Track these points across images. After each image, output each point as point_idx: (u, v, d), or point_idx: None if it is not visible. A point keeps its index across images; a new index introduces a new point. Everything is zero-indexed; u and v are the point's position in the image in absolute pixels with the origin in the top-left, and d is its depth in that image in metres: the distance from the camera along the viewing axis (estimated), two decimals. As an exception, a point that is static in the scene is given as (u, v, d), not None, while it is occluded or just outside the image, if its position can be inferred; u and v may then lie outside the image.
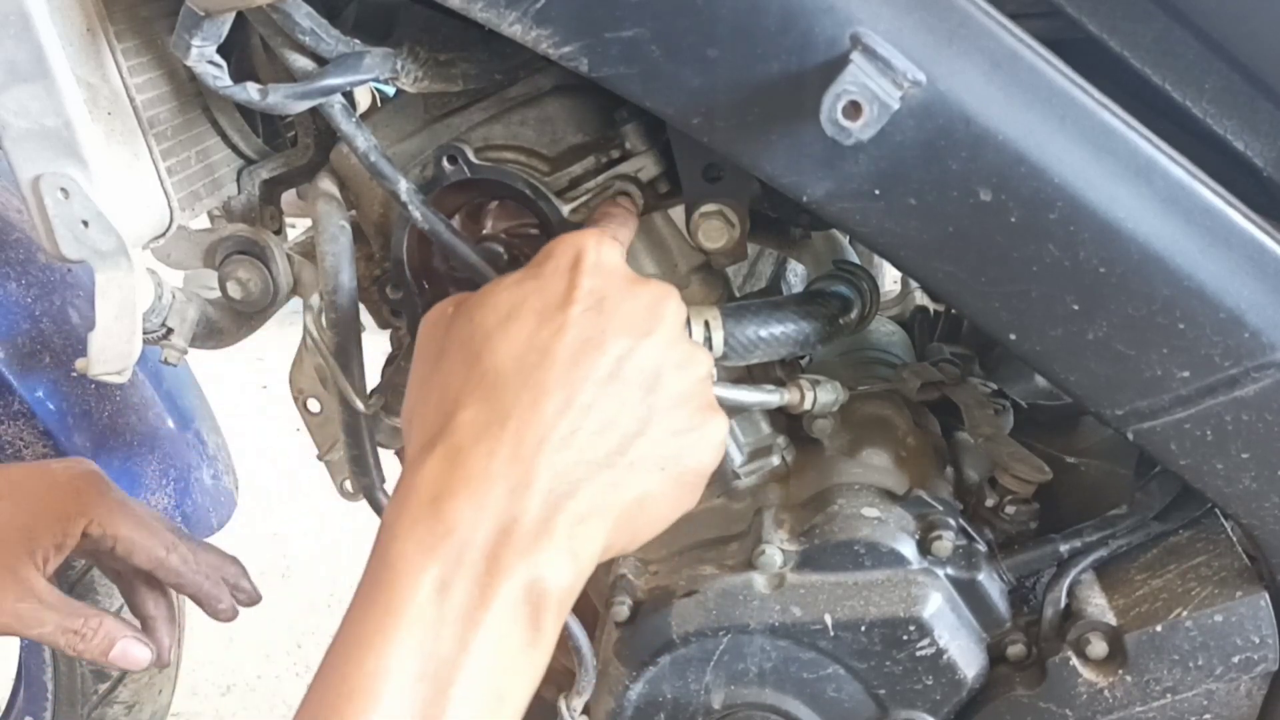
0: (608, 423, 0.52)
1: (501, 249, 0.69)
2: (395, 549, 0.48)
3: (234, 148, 0.76)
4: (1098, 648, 0.69)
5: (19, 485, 0.75)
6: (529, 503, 0.49)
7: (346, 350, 0.67)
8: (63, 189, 0.61)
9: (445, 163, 0.67)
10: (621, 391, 0.53)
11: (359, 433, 0.70)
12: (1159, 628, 0.68)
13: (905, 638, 0.70)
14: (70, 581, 1.09)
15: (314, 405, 0.82)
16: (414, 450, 0.52)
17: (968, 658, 0.71)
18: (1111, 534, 0.73)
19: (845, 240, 0.93)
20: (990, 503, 0.75)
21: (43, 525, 0.74)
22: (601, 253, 0.56)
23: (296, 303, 0.75)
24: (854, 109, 0.53)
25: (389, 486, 0.73)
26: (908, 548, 0.71)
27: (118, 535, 0.76)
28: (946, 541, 0.71)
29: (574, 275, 0.55)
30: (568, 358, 0.52)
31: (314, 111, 0.68)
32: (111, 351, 0.66)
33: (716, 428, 0.57)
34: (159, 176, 0.67)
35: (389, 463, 0.75)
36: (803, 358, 0.89)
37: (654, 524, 0.55)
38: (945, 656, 0.70)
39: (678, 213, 0.72)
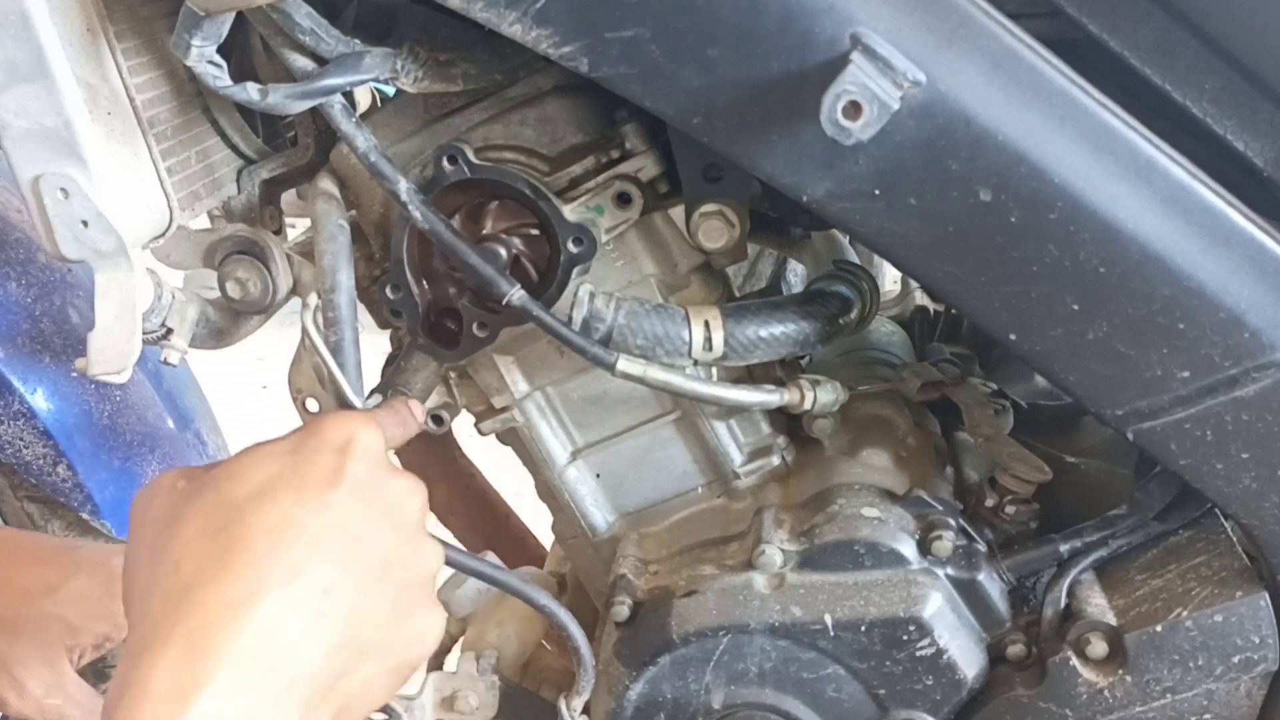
0: (351, 611, 0.51)
1: (501, 249, 0.69)
2: None
3: (234, 148, 0.76)
4: (1098, 648, 0.69)
5: (80, 571, 0.74)
6: (262, 691, 0.46)
7: (344, 350, 0.67)
8: (63, 189, 0.61)
9: (445, 163, 0.67)
10: (364, 580, 0.52)
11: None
12: (1159, 628, 0.68)
13: (905, 638, 0.70)
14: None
15: (312, 405, 0.82)
16: (143, 634, 0.47)
17: (968, 658, 0.71)
18: (1111, 534, 0.73)
19: (845, 240, 0.93)
20: (990, 503, 0.75)
21: (89, 624, 0.74)
22: (370, 440, 0.55)
23: (296, 303, 0.75)
24: (854, 109, 0.53)
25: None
26: (908, 548, 0.71)
27: None
28: (946, 541, 0.71)
29: (342, 458, 0.53)
30: (325, 539, 0.51)
31: (314, 111, 0.68)
32: (111, 351, 0.66)
33: (435, 624, 0.56)
34: (159, 176, 0.67)
35: (389, 463, 0.75)
36: (803, 358, 0.89)
37: (367, 709, 0.54)
38: (945, 656, 0.70)
39: (678, 213, 0.72)
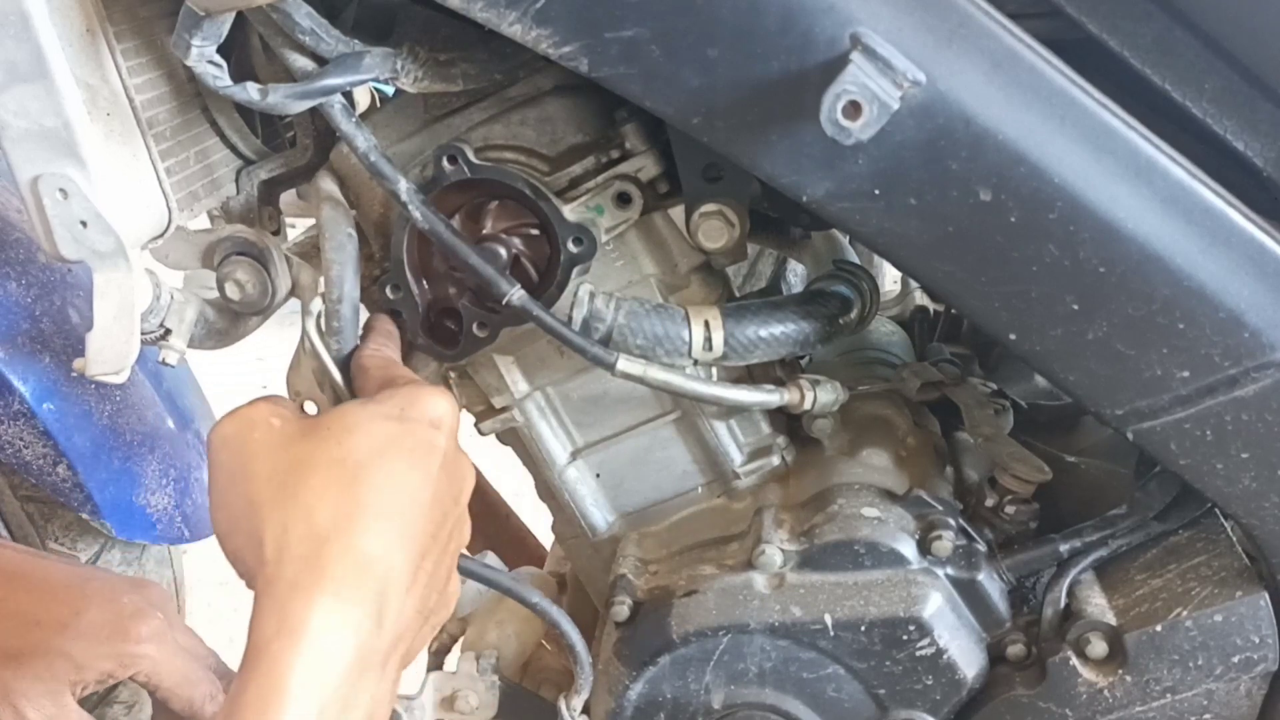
0: (436, 579, 0.57)
1: (501, 249, 0.69)
2: (276, 669, 0.49)
3: (233, 148, 0.76)
4: (1098, 648, 0.69)
5: (91, 607, 0.75)
6: (384, 641, 0.52)
7: (347, 355, 0.67)
8: (62, 189, 0.61)
9: (445, 163, 0.67)
10: (440, 562, 0.58)
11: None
12: (1159, 628, 0.68)
13: (905, 638, 0.70)
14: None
15: (311, 408, 0.82)
16: (285, 574, 0.52)
17: (968, 658, 0.71)
18: (1111, 534, 0.73)
19: (845, 240, 0.93)
20: (990, 503, 0.75)
21: (93, 659, 0.74)
22: (455, 420, 0.60)
23: (296, 303, 0.75)
24: (854, 109, 0.53)
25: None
26: (908, 548, 0.71)
27: (159, 685, 0.77)
28: (946, 541, 0.71)
29: (437, 433, 0.57)
30: (428, 508, 0.56)
31: (314, 111, 0.68)
32: (110, 351, 0.66)
33: (457, 587, 0.62)
34: (158, 177, 0.67)
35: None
36: (803, 358, 0.89)
37: (411, 661, 0.59)
38: (945, 656, 0.70)
39: (678, 213, 0.72)
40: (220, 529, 0.57)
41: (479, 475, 1.11)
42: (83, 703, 0.78)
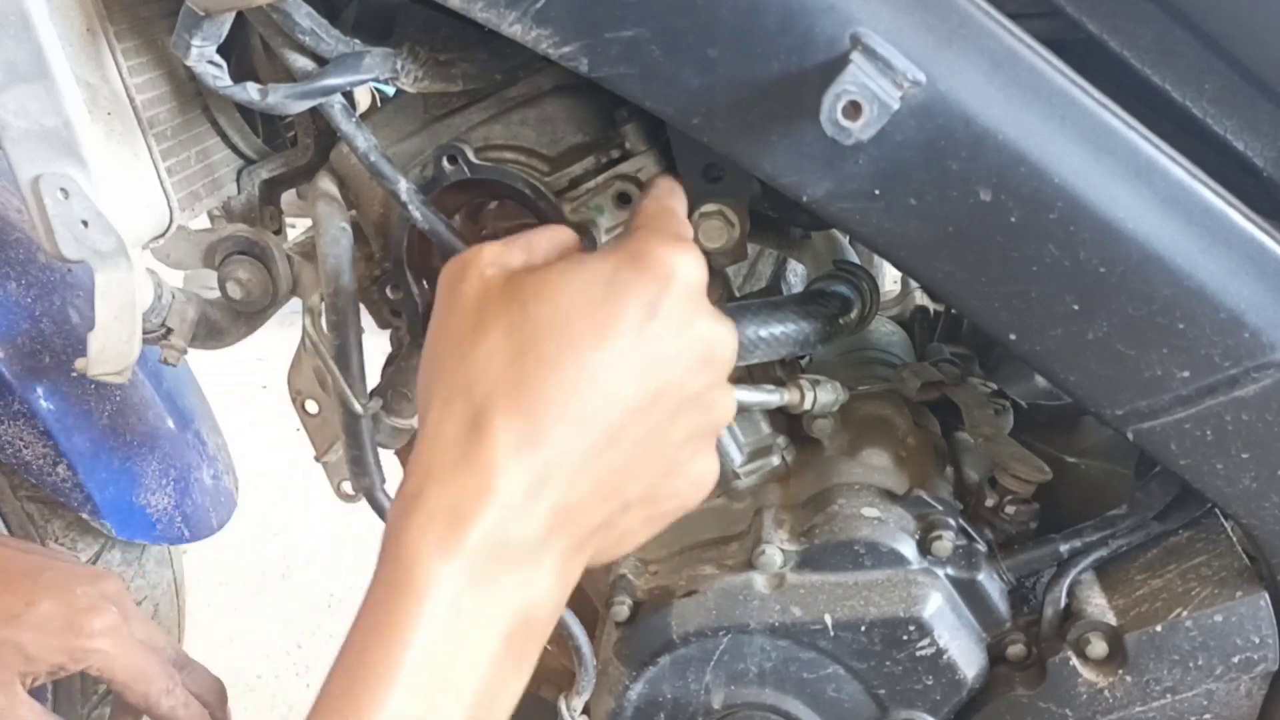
0: (630, 473, 0.51)
1: (501, 249, 0.69)
2: (409, 551, 0.46)
3: (234, 148, 0.76)
4: (1098, 648, 0.69)
5: (44, 599, 0.75)
6: (536, 529, 0.48)
7: (347, 352, 0.67)
8: (62, 189, 0.61)
9: (445, 163, 0.67)
10: (651, 444, 0.51)
11: (359, 434, 0.70)
12: (1159, 628, 0.68)
13: (905, 638, 0.70)
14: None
15: (312, 406, 0.82)
16: (437, 449, 0.49)
17: (968, 658, 0.71)
18: (1111, 534, 0.73)
19: (845, 240, 0.93)
20: (990, 503, 0.75)
21: (45, 652, 0.74)
22: (692, 276, 0.51)
23: (296, 303, 0.75)
24: (854, 109, 0.53)
25: (389, 487, 0.73)
26: (908, 548, 0.71)
27: (114, 679, 0.77)
28: (946, 541, 0.71)
29: (661, 294, 0.50)
30: (623, 387, 0.49)
31: (314, 111, 0.68)
32: (111, 351, 0.66)
33: (710, 474, 0.56)
34: (159, 176, 0.67)
35: (389, 463, 0.75)
36: (803, 358, 0.89)
37: (625, 550, 0.55)
38: (945, 656, 0.70)
39: (678, 213, 0.72)
40: (419, 380, 0.53)
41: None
42: (83, 703, 0.78)
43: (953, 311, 1.03)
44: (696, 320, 0.51)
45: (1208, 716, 0.70)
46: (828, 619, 0.71)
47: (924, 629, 0.69)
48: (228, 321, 0.77)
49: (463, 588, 0.46)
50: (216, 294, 0.76)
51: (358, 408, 0.68)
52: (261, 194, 0.77)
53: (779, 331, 0.72)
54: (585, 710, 0.77)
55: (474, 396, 0.48)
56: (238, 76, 0.62)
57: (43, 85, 0.59)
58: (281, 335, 1.10)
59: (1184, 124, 0.63)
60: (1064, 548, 0.73)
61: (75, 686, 1.13)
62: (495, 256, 0.52)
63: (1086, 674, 0.70)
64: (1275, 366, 0.60)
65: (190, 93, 0.71)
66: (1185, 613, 0.68)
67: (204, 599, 1.94)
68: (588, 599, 0.88)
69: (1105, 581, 0.73)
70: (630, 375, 0.49)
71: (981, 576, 0.72)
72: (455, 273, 0.52)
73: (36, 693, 1.09)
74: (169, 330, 0.72)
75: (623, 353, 0.49)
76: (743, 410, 0.77)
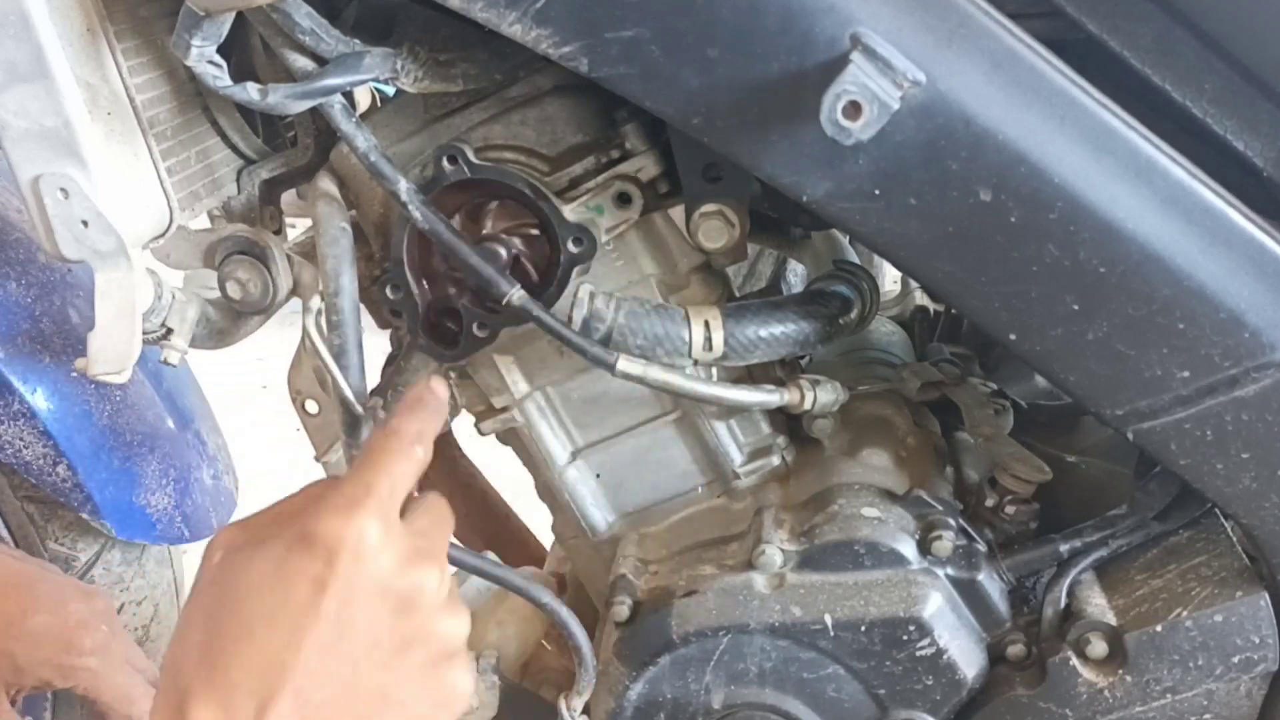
0: (374, 699, 0.52)
1: (501, 249, 0.69)
2: None
3: (234, 148, 0.76)
4: (1098, 648, 0.69)
5: (39, 610, 0.75)
6: None
7: (347, 353, 0.67)
8: (62, 189, 0.61)
9: (445, 163, 0.67)
10: (355, 690, 0.52)
11: (359, 434, 0.70)
12: (1159, 628, 0.68)
13: (905, 638, 0.70)
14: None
15: (312, 407, 0.82)
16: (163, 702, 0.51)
17: (968, 658, 0.71)
18: (1111, 534, 0.73)
19: (845, 240, 0.93)
20: (990, 503, 0.75)
21: (35, 665, 0.74)
22: (361, 551, 0.52)
23: (296, 303, 0.75)
24: (854, 109, 0.53)
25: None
26: (908, 548, 0.71)
27: (99, 699, 0.77)
28: (946, 541, 0.71)
29: (321, 582, 0.51)
30: (299, 664, 0.51)
31: (314, 111, 0.68)
32: (111, 351, 0.66)
33: (457, 688, 0.57)
34: (159, 176, 0.67)
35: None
36: (803, 358, 0.89)
37: None
38: (945, 656, 0.70)
39: (678, 213, 0.72)
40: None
41: (479, 476, 1.12)
42: (83, 704, 0.78)
43: (953, 311, 1.03)
44: (380, 580, 0.53)
45: (1208, 716, 0.70)
46: (828, 619, 0.70)
47: (924, 629, 0.69)
48: (227, 321, 0.77)
49: None
50: (216, 294, 0.76)
51: (358, 408, 0.68)
52: (261, 194, 0.77)
53: (779, 331, 0.72)
54: (585, 710, 0.77)
55: (179, 680, 0.51)
56: (238, 76, 0.62)
57: (43, 85, 0.59)
58: (281, 335, 1.10)
59: (1184, 124, 0.63)
60: (1064, 548, 0.73)
61: (75, 698, 1.13)
62: (225, 539, 0.54)
63: (1086, 674, 0.70)
64: (1275, 366, 0.60)
65: (190, 93, 0.71)
66: (1185, 613, 0.67)
67: (204, 599, 1.93)
68: (587, 599, 0.88)
69: (1105, 581, 0.73)
70: (312, 648, 0.50)
71: (981, 576, 0.72)
72: (206, 551, 0.55)
73: (35, 701, 1.09)
74: (169, 330, 0.72)
75: (298, 631, 0.50)
76: (743, 410, 0.77)
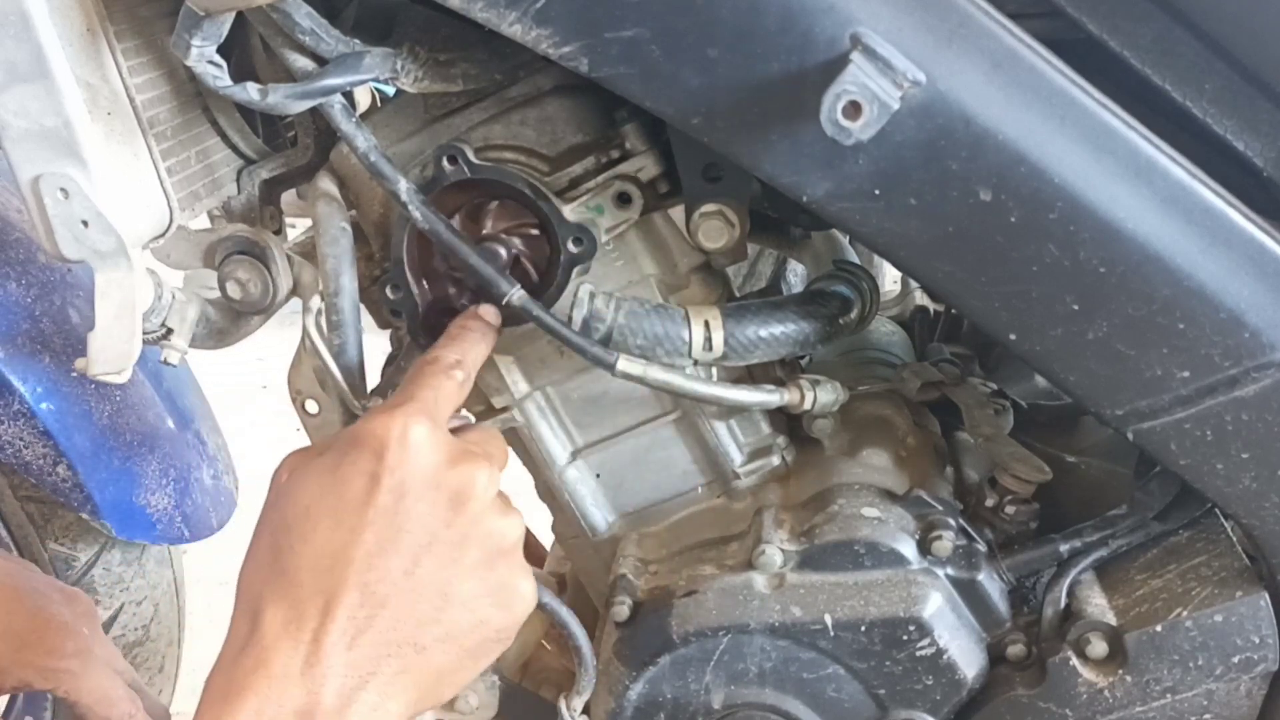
0: (402, 616, 0.55)
1: (501, 249, 0.69)
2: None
3: (234, 148, 0.76)
4: (1098, 648, 0.69)
5: (20, 613, 0.75)
6: (325, 699, 0.52)
7: (348, 353, 0.67)
8: (63, 189, 0.61)
9: (445, 163, 0.67)
10: (417, 585, 0.55)
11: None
12: (1159, 628, 0.68)
13: (905, 638, 0.70)
14: (70, 581, 1.09)
15: (312, 407, 0.82)
16: (234, 632, 0.55)
17: (968, 658, 0.71)
18: (1111, 534, 0.73)
19: (845, 240, 0.93)
20: (990, 503, 0.75)
21: (15, 670, 0.74)
22: (408, 443, 0.56)
23: (297, 303, 0.75)
24: (854, 109, 0.53)
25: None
26: (908, 548, 0.71)
27: (79, 701, 0.77)
28: (946, 541, 0.71)
29: (374, 475, 0.55)
30: (361, 558, 0.54)
31: (314, 111, 0.68)
32: (111, 351, 0.66)
33: (521, 590, 0.60)
34: (159, 176, 0.67)
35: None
36: (803, 358, 0.89)
37: (456, 687, 0.59)
38: (945, 656, 0.70)
39: (678, 213, 0.72)
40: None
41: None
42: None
43: (953, 311, 1.03)
44: (429, 472, 0.56)
45: (1208, 716, 0.70)
46: (828, 619, 0.71)
47: (924, 629, 0.69)
48: (228, 321, 0.77)
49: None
50: (216, 294, 0.76)
51: (358, 408, 0.68)
52: (261, 194, 0.77)
53: (779, 331, 0.72)
54: (585, 710, 0.77)
55: (251, 591, 0.56)
56: (238, 76, 0.62)
57: (43, 85, 0.59)
58: (281, 335, 1.10)
59: (1184, 124, 0.63)
60: (1064, 548, 0.73)
61: (57, 700, 1.13)
62: (290, 460, 0.59)
63: (1086, 674, 0.70)
64: (1275, 366, 0.60)
65: (190, 93, 0.71)
66: (1185, 613, 0.68)
67: (204, 599, 1.93)
68: (587, 599, 0.88)
69: (1105, 581, 0.73)
70: (371, 542, 0.54)
71: (981, 576, 0.72)
72: (273, 475, 0.60)
73: (35, 700, 1.09)
74: (169, 330, 0.72)
75: (356, 528, 0.55)
76: (743, 410, 0.77)
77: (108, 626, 1.12)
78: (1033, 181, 0.58)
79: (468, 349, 0.64)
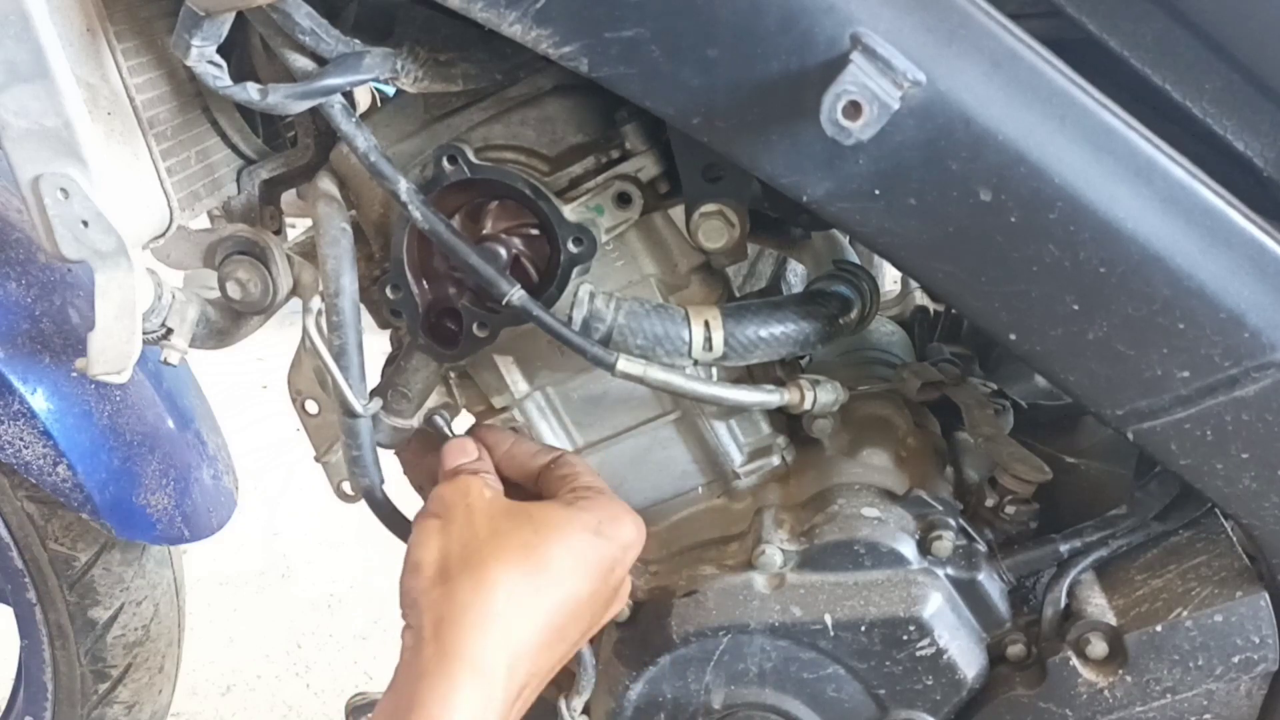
0: (556, 658, 0.65)
1: (501, 249, 0.69)
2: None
3: (234, 148, 0.76)
4: (1098, 648, 0.69)
5: None
6: (500, 703, 0.60)
7: (348, 354, 0.67)
8: (63, 189, 0.61)
9: (445, 163, 0.67)
10: (574, 644, 0.66)
11: (359, 434, 0.70)
12: (1159, 628, 0.68)
13: (905, 638, 0.70)
14: (70, 580, 1.09)
15: (312, 407, 0.82)
16: (447, 638, 0.60)
17: (968, 658, 0.71)
18: (1111, 534, 0.73)
19: (845, 240, 0.93)
20: (990, 503, 0.75)
21: None
22: (640, 545, 0.68)
23: (297, 303, 0.75)
24: (854, 109, 0.53)
25: (389, 488, 0.73)
26: (908, 548, 0.71)
27: None
28: (946, 541, 0.71)
29: (625, 556, 0.66)
30: (580, 618, 0.65)
31: (314, 111, 0.68)
32: (111, 351, 0.66)
33: (618, 608, 0.71)
34: (159, 176, 0.67)
35: (389, 463, 0.75)
36: (803, 358, 0.89)
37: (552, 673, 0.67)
38: (945, 656, 0.70)
39: (678, 213, 0.72)
40: (410, 567, 0.64)
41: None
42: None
43: (953, 311, 1.03)
44: (627, 578, 0.69)
45: (1208, 716, 0.70)
46: (828, 619, 0.71)
47: (924, 629, 0.69)
48: (228, 321, 0.77)
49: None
50: (216, 294, 0.76)
51: (358, 408, 0.68)
52: (261, 194, 0.77)
53: (779, 331, 0.72)
54: (585, 710, 0.77)
55: (489, 600, 0.60)
56: (238, 76, 0.62)
57: (43, 85, 0.59)
58: (281, 335, 1.10)
59: (1184, 124, 0.63)
60: (1064, 548, 0.73)
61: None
62: (484, 483, 0.67)
63: (1086, 674, 0.70)
64: (1275, 366, 0.60)
65: (190, 93, 0.71)
66: (1185, 613, 0.68)
67: (204, 599, 1.94)
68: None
69: (1105, 581, 0.73)
70: (587, 609, 0.64)
71: (981, 576, 0.72)
72: (453, 492, 0.66)
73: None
74: (169, 330, 0.72)
75: (592, 591, 0.64)
76: (743, 410, 0.77)
77: (108, 627, 1.12)
78: (1033, 181, 0.58)
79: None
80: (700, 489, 0.80)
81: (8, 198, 1.05)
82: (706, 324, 0.69)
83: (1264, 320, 0.60)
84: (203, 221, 0.76)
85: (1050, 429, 0.86)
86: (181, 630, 1.24)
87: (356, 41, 0.63)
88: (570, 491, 0.68)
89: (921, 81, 0.54)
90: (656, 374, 0.69)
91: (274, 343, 1.26)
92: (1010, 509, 0.75)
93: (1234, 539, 0.71)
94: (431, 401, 0.78)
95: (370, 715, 0.61)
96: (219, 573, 2.05)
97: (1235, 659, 0.67)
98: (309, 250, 0.77)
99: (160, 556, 1.19)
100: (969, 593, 0.72)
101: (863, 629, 0.70)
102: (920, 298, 1.12)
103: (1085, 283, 0.60)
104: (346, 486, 0.81)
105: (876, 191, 0.59)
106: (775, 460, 0.78)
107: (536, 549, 0.62)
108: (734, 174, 0.67)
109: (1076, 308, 0.60)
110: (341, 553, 2.10)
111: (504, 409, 0.77)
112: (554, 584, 0.62)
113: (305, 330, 0.68)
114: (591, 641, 0.75)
